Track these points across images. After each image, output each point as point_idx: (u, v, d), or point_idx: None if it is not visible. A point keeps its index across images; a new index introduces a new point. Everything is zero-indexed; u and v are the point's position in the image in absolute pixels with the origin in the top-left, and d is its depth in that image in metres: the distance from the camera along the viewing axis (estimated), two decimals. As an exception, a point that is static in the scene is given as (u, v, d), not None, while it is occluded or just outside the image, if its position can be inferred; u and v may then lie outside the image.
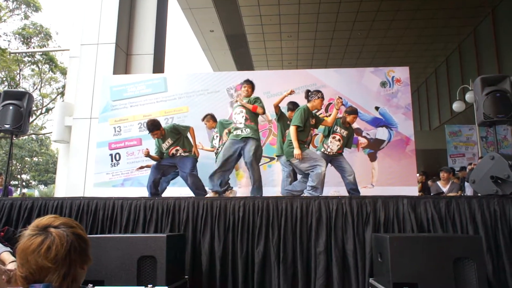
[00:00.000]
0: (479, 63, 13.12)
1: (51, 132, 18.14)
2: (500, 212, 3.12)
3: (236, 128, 4.80)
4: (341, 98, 4.88)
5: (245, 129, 4.75)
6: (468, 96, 9.80)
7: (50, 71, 19.29)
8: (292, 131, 4.37)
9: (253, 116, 4.84)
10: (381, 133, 5.96)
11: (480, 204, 3.17)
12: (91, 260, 1.25)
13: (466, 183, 6.95)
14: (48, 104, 20.19)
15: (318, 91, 4.60)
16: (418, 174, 8.39)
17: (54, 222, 1.19)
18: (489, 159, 3.43)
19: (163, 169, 5.17)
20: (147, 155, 5.08)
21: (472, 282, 2.53)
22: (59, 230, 1.17)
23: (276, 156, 5.41)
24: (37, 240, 1.14)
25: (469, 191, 6.66)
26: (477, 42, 13.32)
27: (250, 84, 5.01)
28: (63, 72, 18.47)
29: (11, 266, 2.11)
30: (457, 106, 10.61)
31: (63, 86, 18.18)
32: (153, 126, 5.00)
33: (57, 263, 1.13)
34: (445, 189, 6.52)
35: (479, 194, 3.59)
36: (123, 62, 7.77)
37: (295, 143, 4.31)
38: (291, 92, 4.94)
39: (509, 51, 11.41)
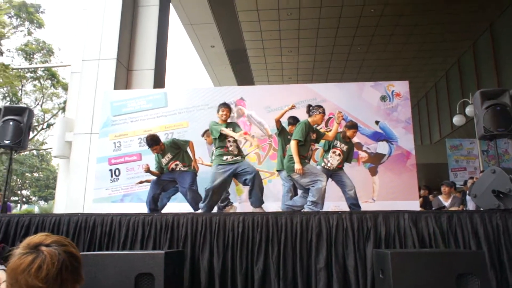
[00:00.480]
0: (479, 77, 13.18)
1: (51, 148, 18.17)
2: (503, 227, 3.08)
3: (228, 154, 4.65)
4: (341, 112, 4.88)
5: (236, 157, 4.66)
6: (468, 110, 9.81)
7: (52, 87, 19.42)
8: (293, 145, 4.36)
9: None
10: (382, 147, 5.95)
11: (482, 219, 3.14)
12: (83, 279, 1.22)
13: (468, 197, 6.90)
14: (49, 119, 20.28)
15: (320, 106, 4.61)
16: (420, 188, 8.34)
17: (45, 240, 1.17)
18: (490, 173, 3.40)
19: (163, 184, 5.15)
20: (147, 170, 5.07)
21: (476, 298, 2.48)
22: (50, 248, 1.15)
23: (277, 171, 5.39)
24: (28, 259, 1.11)
25: (471, 204, 6.60)
26: (476, 57, 13.40)
27: (227, 107, 4.81)
28: (65, 88, 18.59)
29: (3, 286, 2.07)
30: (457, 120, 10.61)
31: (65, 102, 18.28)
32: (153, 141, 4.99)
33: (48, 283, 1.10)
34: (446, 203, 6.47)
35: (481, 209, 3.55)
36: (124, 78, 7.82)
37: (296, 158, 4.29)
38: (292, 107, 4.94)
39: (508, 65, 11.47)
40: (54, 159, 22.18)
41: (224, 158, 4.58)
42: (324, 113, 4.60)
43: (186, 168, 5.06)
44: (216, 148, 4.71)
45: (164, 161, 5.07)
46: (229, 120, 4.83)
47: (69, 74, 8.66)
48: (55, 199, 8.09)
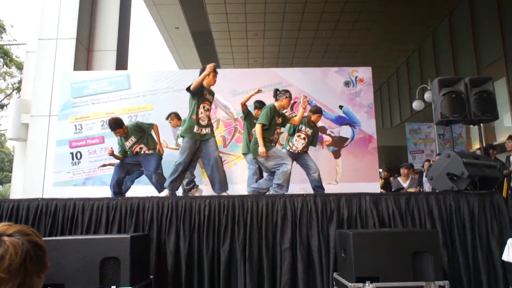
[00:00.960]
0: (437, 64, 13.69)
1: (6, 129, 17.29)
2: (455, 207, 3.28)
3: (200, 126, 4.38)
4: (307, 97, 4.94)
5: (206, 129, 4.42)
6: (427, 96, 10.19)
7: (5, 66, 18.38)
8: (257, 129, 4.39)
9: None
10: (345, 131, 6.11)
11: (437, 200, 3.32)
12: (48, 268, 1.20)
13: (424, 179, 7.23)
14: (3, 99, 19.25)
15: (286, 91, 4.64)
16: (382, 170, 8.64)
17: (7, 230, 1.13)
18: (445, 157, 3.59)
19: (127, 167, 5.06)
20: (111, 154, 4.96)
21: (429, 273, 2.65)
22: (13, 238, 1.11)
23: (242, 154, 5.42)
24: None
25: (427, 186, 6.94)
26: (435, 44, 13.89)
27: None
28: (19, 67, 17.65)
29: None
30: (416, 105, 11.01)
31: (19, 82, 17.37)
32: (116, 124, 4.88)
33: (11, 273, 1.07)
34: (405, 184, 6.76)
35: (436, 190, 3.76)
36: (84, 58, 7.52)
37: (260, 141, 4.33)
38: (258, 91, 4.95)
39: (464, 53, 11.98)
40: (9, 141, 21.16)
41: (196, 129, 4.30)
42: (290, 97, 4.64)
43: (151, 151, 4.99)
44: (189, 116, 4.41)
45: (127, 144, 4.97)
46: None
47: (24, 53, 8.23)
48: (11, 183, 7.77)
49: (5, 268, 1.07)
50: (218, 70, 4.73)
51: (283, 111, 4.83)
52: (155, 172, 4.89)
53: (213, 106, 6.11)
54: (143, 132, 5.02)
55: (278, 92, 4.68)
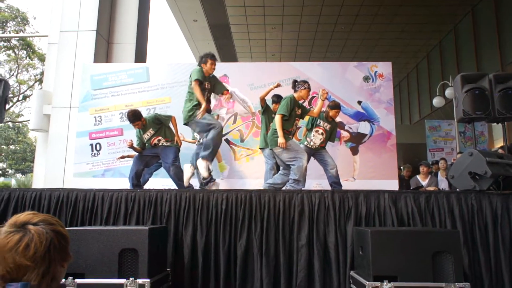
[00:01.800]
0: (459, 60, 13.37)
1: (28, 120, 17.66)
2: (477, 207, 3.21)
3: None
4: (325, 89, 4.89)
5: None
6: (448, 92, 9.99)
7: (28, 57, 18.74)
8: (277, 119, 4.36)
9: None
10: (363, 127, 6.04)
11: (458, 199, 3.25)
12: (71, 258, 1.22)
13: (439, 177, 7.10)
14: (25, 91, 19.67)
15: (305, 82, 4.60)
16: (404, 168, 8.48)
17: (32, 219, 1.15)
18: (467, 156, 3.50)
19: (146, 159, 5.11)
20: (131, 146, 5.01)
21: (449, 274, 2.59)
22: (38, 227, 1.13)
23: (260, 148, 5.41)
24: (15, 238, 1.10)
25: (443, 184, 6.81)
26: (457, 40, 13.56)
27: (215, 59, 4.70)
28: (41, 59, 17.96)
29: None
30: (437, 101, 10.80)
31: (41, 73, 17.70)
32: (134, 116, 4.92)
33: (36, 261, 1.10)
34: (424, 183, 6.66)
35: (457, 189, 3.68)
36: (104, 51, 7.61)
37: (280, 132, 4.29)
38: (278, 85, 4.92)
39: (487, 49, 11.66)
40: (31, 132, 21.64)
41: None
42: (309, 88, 4.59)
43: (169, 143, 5.03)
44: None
45: (146, 136, 5.01)
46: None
47: (46, 44, 8.37)
48: (33, 173, 7.95)
49: (30, 256, 1.09)
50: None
51: (302, 103, 4.78)
52: (173, 165, 4.92)
53: (230, 100, 6.15)
54: (161, 124, 5.05)
55: (296, 83, 4.63)
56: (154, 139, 5.00)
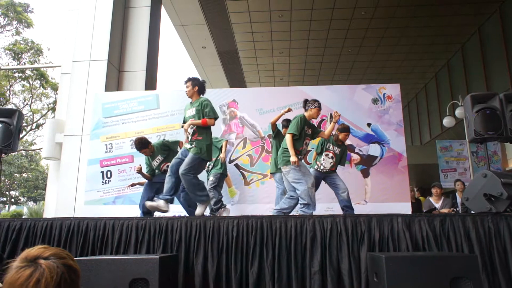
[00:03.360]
0: (468, 79, 13.33)
1: (41, 148, 17.92)
2: (494, 230, 3.12)
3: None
4: (337, 112, 4.89)
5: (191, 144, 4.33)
6: (458, 112, 9.90)
7: (41, 87, 19.18)
8: (288, 139, 4.35)
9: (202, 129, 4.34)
10: (374, 150, 5.99)
11: (474, 222, 3.18)
12: None
13: (458, 199, 6.95)
14: (38, 120, 20.03)
15: (316, 101, 4.61)
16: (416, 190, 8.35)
17: (43, 253, 1.15)
18: (481, 177, 3.44)
19: (156, 186, 5.11)
20: (139, 171, 5.03)
21: (469, 301, 2.51)
22: (49, 261, 1.13)
23: (271, 173, 5.39)
24: (26, 273, 1.09)
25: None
26: (465, 59, 13.56)
27: (190, 81, 4.46)
28: (54, 88, 18.38)
29: None
30: (447, 121, 10.71)
31: (54, 102, 18.07)
32: (141, 144, 4.96)
33: None
34: (437, 205, 6.53)
35: (472, 212, 3.60)
36: (115, 79, 7.76)
37: (291, 151, 4.26)
38: (289, 110, 4.94)
39: (496, 68, 11.63)
40: (43, 160, 21.91)
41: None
42: (319, 107, 4.59)
43: None
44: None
45: (154, 163, 5.04)
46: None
47: (59, 74, 8.56)
48: (45, 201, 7.99)
49: None
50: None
51: (312, 122, 4.78)
52: (182, 191, 4.91)
53: (240, 125, 6.18)
54: (169, 150, 5.08)
55: (307, 102, 4.65)
56: (163, 165, 5.02)
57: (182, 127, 4.49)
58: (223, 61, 14.40)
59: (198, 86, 4.46)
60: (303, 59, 14.46)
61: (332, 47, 13.49)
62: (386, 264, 2.59)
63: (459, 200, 6.78)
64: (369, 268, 3.00)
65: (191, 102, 4.51)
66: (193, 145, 4.26)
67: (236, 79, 15.79)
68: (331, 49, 13.68)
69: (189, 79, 4.49)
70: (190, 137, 4.33)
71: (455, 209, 6.64)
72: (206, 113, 4.27)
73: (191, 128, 4.32)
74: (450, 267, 2.58)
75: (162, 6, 9.39)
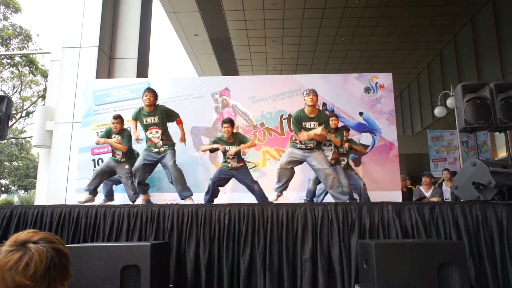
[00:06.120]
0: (459, 70, 13.41)
1: (31, 136, 17.73)
2: (482, 218, 3.17)
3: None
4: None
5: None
6: (449, 102, 9.98)
7: (31, 74, 18.90)
8: (303, 138, 4.70)
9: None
10: (365, 139, 6.02)
11: (463, 210, 3.22)
12: (72, 276, 1.21)
13: (444, 188, 7.06)
14: (28, 107, 19.79)
15: (309, 91, 4.80)
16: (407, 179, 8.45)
17: (33, 237, 1.14)
18: (471, 166, 3.49)
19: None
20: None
21: (455, 287, 2.56)
22: (38, 245, 1.13)
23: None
24: (15, 257, 1.09)
25: (447, 194, 6.76)
26: (457, 49, 13.62)
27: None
28: (44, 75, 18.12)
29: None
30: (438, 111, 10.79)
31: (44, 89, 17.83)
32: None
33: (35, 281, 1.08)
34: (427, 194, 6.61)
35: (461, 200, 3.65)
36: (106, 66, 7.66)
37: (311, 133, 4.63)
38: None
39: (488, 58, 11.70)
40: (34, 148, 21.70)
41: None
42: (309, 94, 4.75)
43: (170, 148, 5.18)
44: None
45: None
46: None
47: (49, 61, 8.44)
48: (36, 189, 7.94)
49: (30, 275, 1.08)
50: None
51: (314, 106, 4.85)
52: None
53: (232, 113, 6.16)
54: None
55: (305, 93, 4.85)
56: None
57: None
58: (216, 49, 14.30)
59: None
60: (296, 47, 14.41)
61: (325, 36, 13.44)
62: (375, 251, 2.63)
63: (444, 188, 6.88)
64: (359, 255, 3.04)
65: (148, 111, 5.14)
66: (167, 147, 5.13)
67: (228, 67, 15.71)
68: (325, 38, 13.63)
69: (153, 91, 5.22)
70: (160, 142, 5.12)
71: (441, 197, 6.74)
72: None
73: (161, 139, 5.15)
74: (438, 254, 2.63)
75: (153, -8, 9.25)
